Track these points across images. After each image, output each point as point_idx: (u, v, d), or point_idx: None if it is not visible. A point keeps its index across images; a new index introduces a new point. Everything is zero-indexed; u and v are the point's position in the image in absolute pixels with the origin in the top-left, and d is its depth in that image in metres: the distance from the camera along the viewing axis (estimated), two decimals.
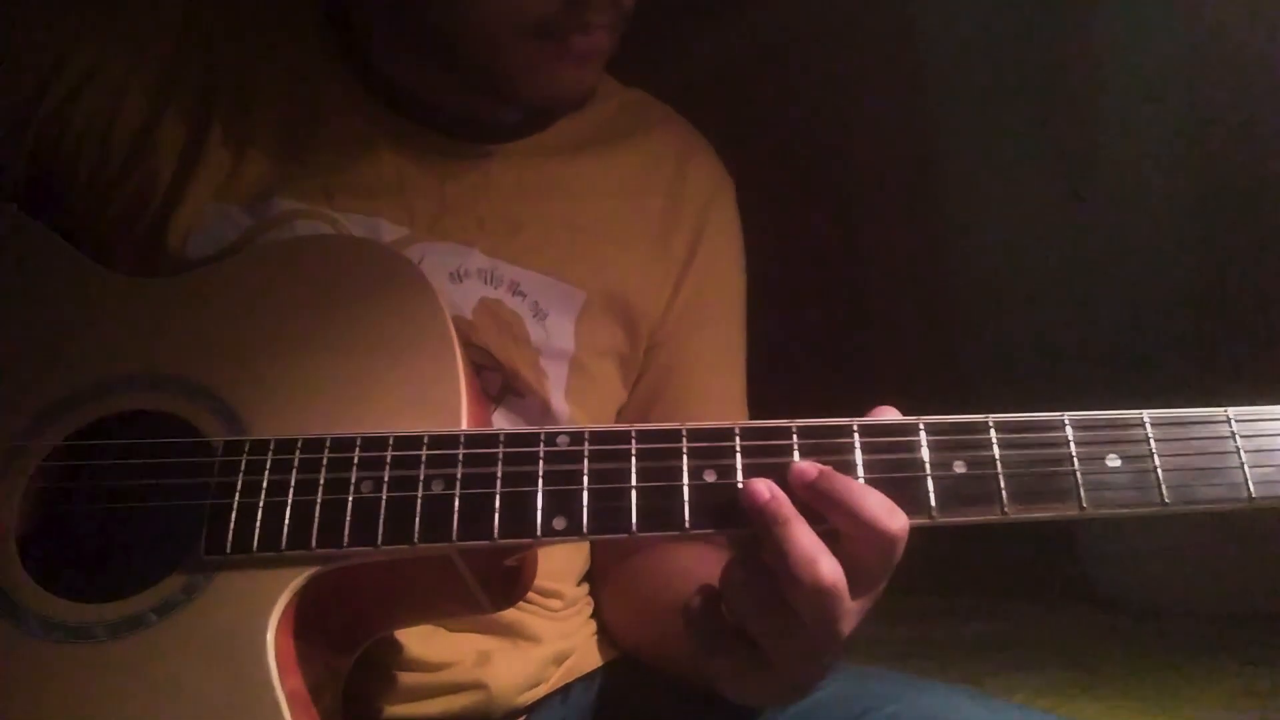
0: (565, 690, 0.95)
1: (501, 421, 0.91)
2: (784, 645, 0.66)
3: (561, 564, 0.96)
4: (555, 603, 0.95)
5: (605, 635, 0.99)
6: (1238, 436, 0.66)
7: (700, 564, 0.87)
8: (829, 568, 0.63)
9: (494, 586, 0.75)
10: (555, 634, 0.94)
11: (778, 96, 2.55)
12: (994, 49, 2.40)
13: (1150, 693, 1.69)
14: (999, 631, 1.96)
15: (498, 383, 0.91)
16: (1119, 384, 2.21)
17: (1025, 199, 2.41)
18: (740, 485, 0.67)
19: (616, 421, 0.99)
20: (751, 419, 1.00)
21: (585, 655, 0.97)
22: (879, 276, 2.64)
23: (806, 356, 2.39)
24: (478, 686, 0.88)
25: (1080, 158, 2.36)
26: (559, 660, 0.95)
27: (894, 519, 0.64)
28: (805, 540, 0.64)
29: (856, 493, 0.65)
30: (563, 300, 0.94)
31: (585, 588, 1.00)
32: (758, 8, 2.56)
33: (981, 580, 2.09)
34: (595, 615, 1.00)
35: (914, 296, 2.62)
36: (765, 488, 0.65)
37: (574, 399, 0.94)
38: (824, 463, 0.67)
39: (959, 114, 2.48)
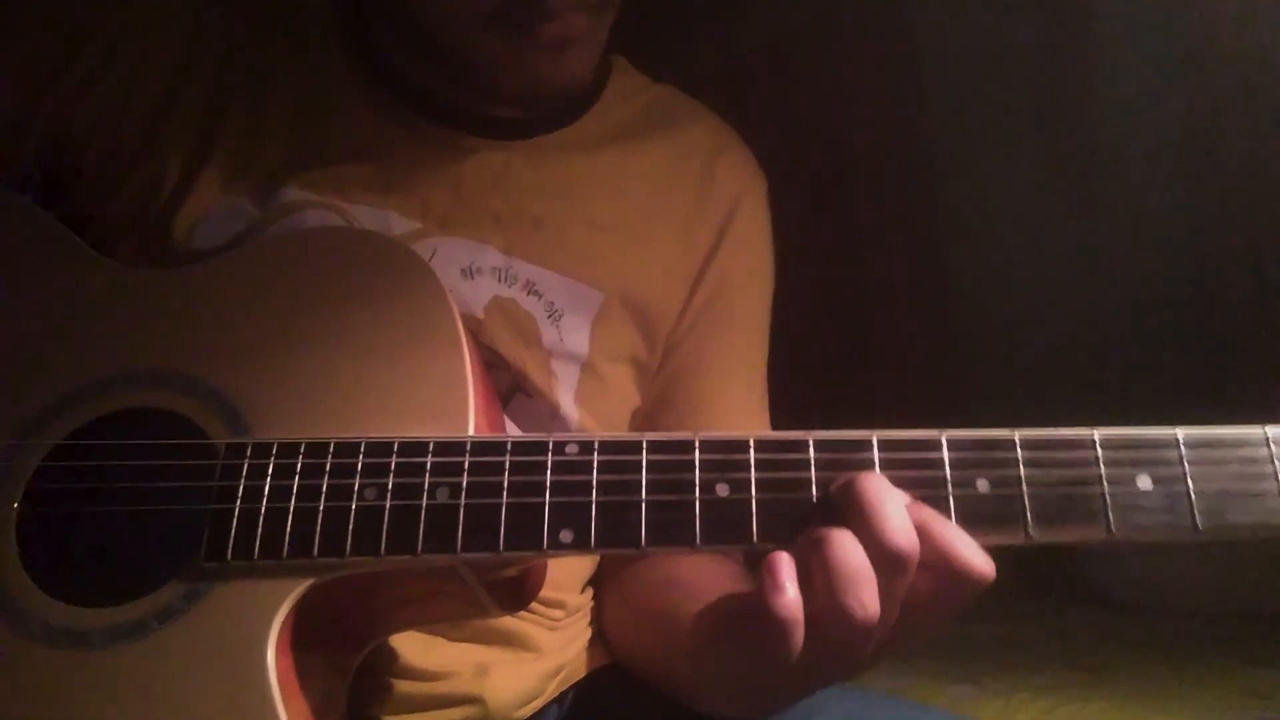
0: (561, 699, 0.94)
1: (507, 422, 0.88)
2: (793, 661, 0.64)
3: (568, 572, 0.94)
4: (558, 612, 0.93)
5: (598, 640, 0.97)
6: (1276, 460, 0.62)
7: (702, 572, 0.86)
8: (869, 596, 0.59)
9: (501, 592, 0.74)
10: (555, 645, 0.93)
11: (777, 98, 2.54)
12: (994, 50, 2.39)
13: (1150, 693, 1.68)
14: (999, 631, 1.94)
15: (505, 381, 0.89)
16: (1120, 385, 2.20)
17: (1025, 200, 2.40)
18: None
19: (630, 427, 0.96)
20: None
21: (581, 662, 0.96)
22: (879, 278, 2.63)
23: (805, 359, 2.37)
24: (475, 700, 0.86)
25: (1080, 158, 2.35)
26: (558, 673, 0.93)
27: (987, 563, 0.61)
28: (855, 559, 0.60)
29: (951, 533, 0.61)
30: (580, 301, 0.91)
31: (589, 594, 0.98)
32: (759, 8, 2.55)
33: None
34: (594, 621, 0.98)
35: (914, 297, 2.61)
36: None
37: (584, 403, 0.92)
38: None
39: (959, 114, 2.47)
